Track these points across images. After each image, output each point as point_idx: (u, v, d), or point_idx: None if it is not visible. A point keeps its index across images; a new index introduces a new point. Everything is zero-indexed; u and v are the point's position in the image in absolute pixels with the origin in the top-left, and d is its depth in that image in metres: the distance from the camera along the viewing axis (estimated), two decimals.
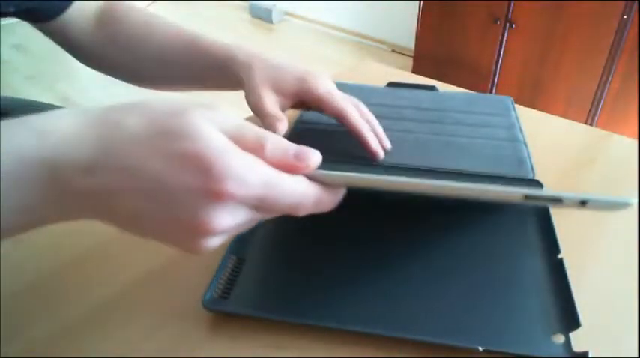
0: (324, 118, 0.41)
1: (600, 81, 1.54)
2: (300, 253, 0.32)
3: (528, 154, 0.43)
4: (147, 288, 0.30)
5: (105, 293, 0.29)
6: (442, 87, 0.56)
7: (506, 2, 1.63)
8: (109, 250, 0.33)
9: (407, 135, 0.45)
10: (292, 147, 0.23)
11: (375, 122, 0.42)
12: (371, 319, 0.27)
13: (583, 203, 0.22)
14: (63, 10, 0.45)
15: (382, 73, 0.60)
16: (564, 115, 0.52)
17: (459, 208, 0.36)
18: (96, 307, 0.28)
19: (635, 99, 1.49)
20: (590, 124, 1.58)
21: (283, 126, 0.38)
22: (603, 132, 0.49)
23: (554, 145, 0.46)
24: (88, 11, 0.47)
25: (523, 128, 0.47)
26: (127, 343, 0.26)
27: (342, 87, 0.48)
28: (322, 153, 0.38)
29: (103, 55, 0.48)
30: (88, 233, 0.33)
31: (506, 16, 1.65)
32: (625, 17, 1.43)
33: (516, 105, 0.52)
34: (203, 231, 0.21)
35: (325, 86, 0.40)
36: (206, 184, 0.20)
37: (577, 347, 0.26)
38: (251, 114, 0.50)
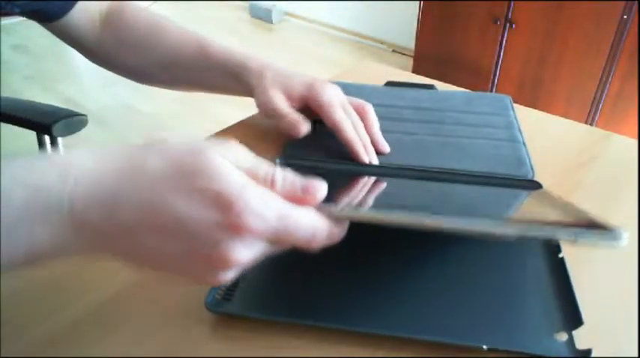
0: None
1: (600, 81, 1.54)
2: (303, 255, 0.32)
3: (527, 154, 0.43)
4: (149, 289, 0.30)
5: (106, 293, 0.29)
6: (441, 86, 0.56)
7: (507, 2, 1.63)
8: None
9: (406, 136, 0.45)
10: (300, 180, 0.24)
11: (376, 129, 0.42)
12: (372, 319, 0.27)
13: (574, 240, 0.23)
14: (66, 11, 0.45)
15: (382, 73, 0.60)
16: (564, 115, 0.52)
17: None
18: (97, 307, 0.28)
19: (635, 99, 1.49)
20: (591, 124, 1.58)
21: (306, 127, 0.40)
22: (603, 132, 0.49)
23: (554, 145, 0.46)
24: (92, 12, 0.47)
25: (522, 127, 0.47)
26: (127, 343, 0.26)
27: (342, 87, 0.48)
28: (324, 153, 0.38)
29: (111, 55, 0.49)
30: None
31: (507, 16, 1.65)
32: (625, 17, 1.43)
33: (516, 105, 0.52)
34: (222, 264, 0.22)
35: (329, 95, 0.41)
36: (227, 219, 0.21)
37: (578, 346, 0.26)
38: (251, 114, 0.50)
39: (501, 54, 1.72)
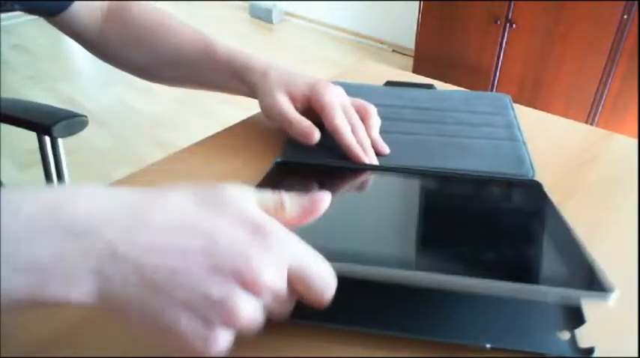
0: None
1: (600, 80, 1.54)
2: None
3: (527, 153, 0.43)
4: None
5: None
6: (441, 86, 0.56)
7: (507, 2, 1.63)
8: None
9: (406, 136, 0.45)
10: (305, 197, 0.25)
11: (375, 131, 0.42)
12: (373, 318, 0.27)
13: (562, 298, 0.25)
14: (65, 7, 0.45)
15: (382, 72, 0.60)
16: (564, 115, 0.52)
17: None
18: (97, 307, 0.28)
19: (635, 98, 1.49)
20: (591, 124, 1.58)
21: (317, 134, 0.40)
22: (604, 131, 0.49)
23: (554, 145, 0.46)
24: (94, 6, 0.47)
25: (522, 127, 0.47)
26: (127, 343, 0.26)
27: (341, 87, 0.48)
28: (323, 153, 0.38)
29: (114, 51, 0.49)
30: None
31: (507, 15, 1.65)
32: (625, 17, 1.43)
33: (516, 105, 0.52)
34: (252, 286, 0.21)
35: (331, 96, 0.41)
36: (259, 238, 0.22)
37: (581, 345, 0.26)
38: (251, 114, 0.50)
39: (501, 54, 1.72)
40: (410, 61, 2.04)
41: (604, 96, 1.56)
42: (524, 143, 0.44)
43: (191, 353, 0.21)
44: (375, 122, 0.43)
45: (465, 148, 0.43)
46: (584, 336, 0.26)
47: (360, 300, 0.28)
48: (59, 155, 0.69)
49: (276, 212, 0.24)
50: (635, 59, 1.45)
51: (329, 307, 0.28)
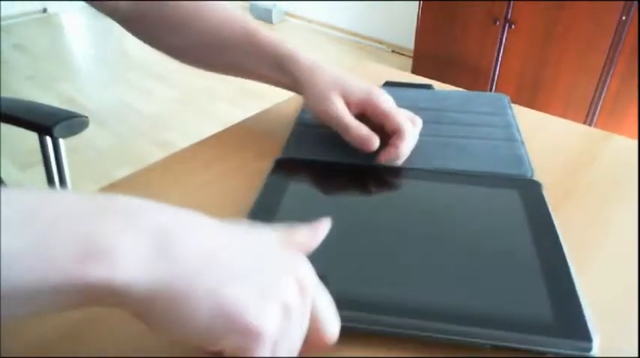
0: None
1: (599, 81, 1.54)
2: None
3: (526, 153, 0.43)
4: None
5: None
6: (440, 87, 0.56)
7: (506, 2, 1.63)
8: None
9: None
10: (304, 227, 0.28)
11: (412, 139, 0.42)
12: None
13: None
14: None
15: (381, 73, 0.60)
16: (563, 115, 0.52)
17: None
18: (97, 307, 0.28)
19: (634, 99, 1.49)
20: (590, 124, 1.59)
21: (377, 142, 0.39)
22: (603, 132, 0.49)
23: (553, 146, 0.46)
24: None
25: (521, 127, 0.47)
26: (127, 342, 0.26)
27: None
28: (324, 152, 0.38)
29: (151, 32, 0.46)
30: None
31: (506, 16, 1.65)
32: (624, 17, 1.43)
33: (515, 106, 0.52)
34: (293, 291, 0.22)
35: (389, 102, 0.41)
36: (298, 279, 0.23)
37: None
38: (251, 114, 0.50)
39: (501, 54, 1.72)
40: (409, 62, 2.04)
41: (603, 97, 1.56)
42: (522, 143, 0.44)
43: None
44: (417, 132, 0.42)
45: (464, 149, 0.43)
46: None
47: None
48: (60, 155, 0.69)
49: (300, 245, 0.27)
50: (634, 60, 1.45)
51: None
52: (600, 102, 1.57)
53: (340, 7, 2.65)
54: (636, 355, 0.27)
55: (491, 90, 1.79)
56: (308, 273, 0.23)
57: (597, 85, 1.55)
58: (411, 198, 0.37)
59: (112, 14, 0.46)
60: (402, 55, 2.46)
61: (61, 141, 0.69)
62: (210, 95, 1.99)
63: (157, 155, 1.56)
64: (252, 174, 0.41)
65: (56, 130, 0.65)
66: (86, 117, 0.68)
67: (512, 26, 1.65)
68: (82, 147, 1.60)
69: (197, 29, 0.44)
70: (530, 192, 0.37)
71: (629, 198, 0.39)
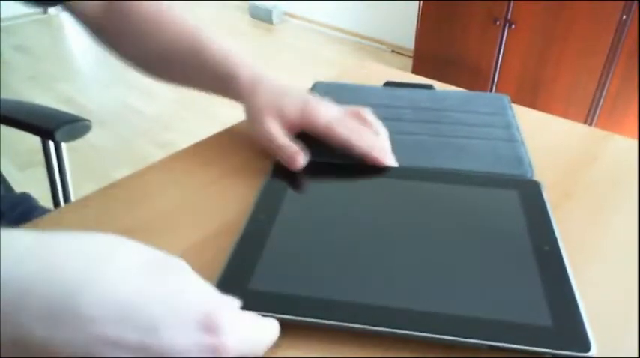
0: None
1: (600, 81, 1.54)
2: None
3: (526, 153, 0.43)
4: None
5: None
6: (440, 87, 0.56)
7: (506, 2, 1.63)
8: None
9: (405, 136, 0.45)
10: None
11: (381, 131, 0.41)
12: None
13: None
14: None
15: (381, 73, 0.60)
16: (564, 115, 0.52)
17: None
18: None
19: (634, 99, 1.49)
20: (590, 124, 1.58)
21: (302, 159, 0.39)
22: (603, 132, 0.49)
23: (553, 146, 0.46)
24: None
25: (521, 127, 0.47)
26: None
27: (340, 87, 0.48)
28: (323, 152, 0.38)
29: (113, 43, 0.48)
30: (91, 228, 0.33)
31: (506, 16, 1.65)
32: (624, 17, 1.43)
33: (516, 106, 0.52)
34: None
35: (325, 117, 0.40)
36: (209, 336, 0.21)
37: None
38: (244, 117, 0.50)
39: (501, 54, 1.72)
40: (409, 62, 2.04)
41: (603, 97, 1.56)
42: (522, 143, 0.44)
43: None
44: (375, 123, 0.42)
45: (464, 148, 0.43)
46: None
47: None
48: (62, 158, 0.69)
49: None
50: (635, 59, 1.45)
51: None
52: (600, 102, 1.57)
53: (340, 7, 2.65)
54: (636, 355, 0.27)
55: (491, 90, 1.79)
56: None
57: (597, 85, 1.55)
58: (412, 198, 0.37)
59: (79, 17, 0.47)
60: (402, 55, 2.46)
61: (63, 144, 0.69)
62: (210, 95, 1.99)
63: (157, 155, 1.56)
64: (252, 174, 0.41)
65: (58, 134, 0.64)
66: (89, 121, 0.68)
67: (513, 26, 1.65)
68: (82, 147, 1.60)
69: (153, 42, 0.45)
70: (530, 193, 0.37)
71: (629, 198, 0.39)
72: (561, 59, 1.59)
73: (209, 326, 0.20)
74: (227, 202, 0.38)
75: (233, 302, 0.24)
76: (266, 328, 0.24)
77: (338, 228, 0.34)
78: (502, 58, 1.72)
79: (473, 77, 1.81)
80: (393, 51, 2.52)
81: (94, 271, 0.19)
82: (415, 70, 1.93)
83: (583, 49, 1.53)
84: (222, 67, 0.42)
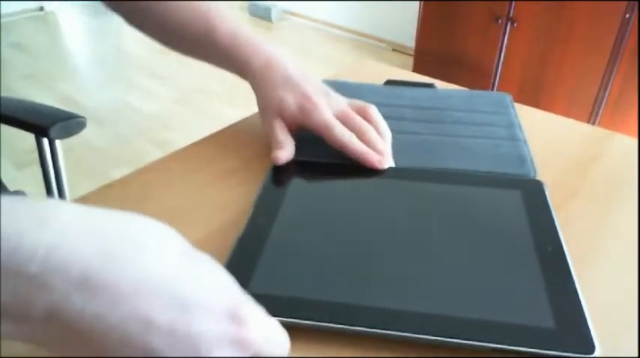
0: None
1: (602, 80, 1.54)
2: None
3: (529, 152, 0.42)
4: None
5: None
6: (441, 85, 0.55)
7: (508, 1, 1.62)
8: None
9: (406, 135, 0.44)
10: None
11: (384, 130, 0.41)
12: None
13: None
14: None
15: (382, 71, 0.60)
16: (566, 114, 0.52)
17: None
18: None
19: (637, 98, 1.48)
20: (592, 123, 1.58)
21: (284, 155, 0.39)
22: (606, 131, 0.49)
23: (556, 145, 0.46)
24: None
25: (523, 127, 0.46)
26: None
27: (340, 85, 0.47)
28: (323, 152, 0.38)
29: (128, 19, 0.47)
30: None
31: (508, 14, 1.64)
32: (627, 16, 1.42)
33: (518, 105, 0.51)
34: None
35: (323, 116, 0.39)
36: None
37: None
38: (251, 114, 0.50)
39: (503, 53, 1.72)
40: (410, 60, 2.03)
41: (606, 96, 1.55)
42: (525, 142, 0.44)
43: None
44: (380, 122, 0.41)
45: (466, 148, 0.43)
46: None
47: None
48: (57, 156, 0.69)
49: None
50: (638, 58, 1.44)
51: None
52: (604, 100, 1.56)
53: (340, 6, 2.64)
54: (636, 355, 0.27)
55: (493, 89, 1.78)
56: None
57: (600, 84, 1.54)
58: (413, 198, 0.37)
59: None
60: (403, 53, 2.45)
61: (58, 142, 0.68)
62: (210, 94, 1.99)
63: (156, 154, 1.55)
64: (251, 174, 0.40)
65: (53, 131, 0.64)
66: (83, 117, 0.67)
67: (515, 25, 1.64)
68: (79, 146, 1.59)
69: (163, 20, 0.44)
70: (533, 193, 0.37)
71: (633, 198, 0.39)
72: (564, 58, 1.59)
73: (237, 317, 0.21)
74: (226, 202, 0.37)
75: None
76: (285, 336, 0.24)
77: (339, 229, 0.34)
78: (504, 56, 1.72)
79: (474, 76, 1.80)
80: (393, 49, 2.51)
81: (132, 250, 0.20)
82: (416, 69, 1.93)
83: (586, 47, 1.53)
84: (234, 54, 0.42)
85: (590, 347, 0.25)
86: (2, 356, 0.25)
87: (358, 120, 0.40)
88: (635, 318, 0.29)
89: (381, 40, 2.56)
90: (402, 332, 0.26)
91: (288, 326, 0.26)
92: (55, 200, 0.20)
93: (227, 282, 0.23)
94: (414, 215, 0.35)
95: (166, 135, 1.75)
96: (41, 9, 2.88)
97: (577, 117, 1.12)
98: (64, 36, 2.66)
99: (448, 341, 0.26)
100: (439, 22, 1.82)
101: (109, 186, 0.39)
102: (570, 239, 0.32)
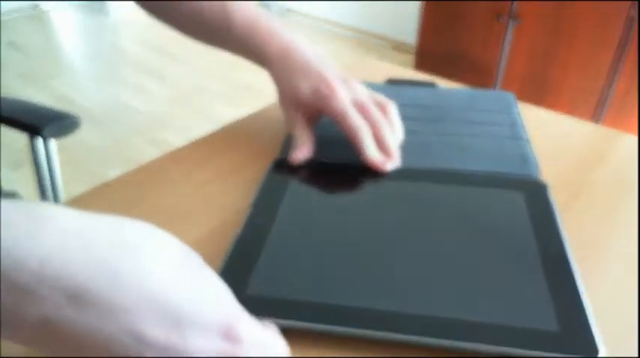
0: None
1: (607, 78, 1.52)
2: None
3: (532, 152, 0.42)
4: None
5: None
6: (443, 84, 0.55)
7: None
8: None
9: (408, 135, 0.44)
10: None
11: (397, 131, 0.40)
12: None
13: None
14: None
15: (383, 70, 0.59)
16: (570, 113, 0.51)
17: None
18: None
19: None
20: (597, 122, 1.57)
21: (299, 155, 0.39)
22: (611, 130, 0.48)
23: (560, 144, 0.45)
24: None
25: (527, 126, 0.46)
26: None
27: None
28: (324, 150, 0.36)
29: (145, 5, 0.46)
30: None
31: (511, 11, 1.63)
32: (632, 13, 1.41)
33: (521, 104, 0.51)
34: None
35: (341, 102, 0.38)
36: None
37: None
38: (249, 113, 0.49)
39: (506, 51, 1.71)
40: (411, 58, 2.03)
41: (611, 95, 1.54)
42: (528, 142, 0.43)
43: None
44: (396, 121, 0.40)
45: (468, 147, 0.42)
46: None
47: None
48: (51, 156, 0.68)
49: None
50: None
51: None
52: (608, 99, 1.55)
53: (341, 4, 2.64)
54: (636, 355, 0.26)
55: (495, 88, 1.78)
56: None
57: (605, 82, 1.53)
58: (413, 199, 0.36)
59: None
60: (404, 51, 2.45)
61: (53, 141, 0.67)
62: (206, 93, 1.98)
63: (152, 154, 1.54)
64: (249, 173, 0.40)
65: (46, 131, 0.63)
66: (77, 117, 0.67)
67: (518, 22, 1.63)
68: (75, 145, 1.58)
69: (180, 5, 0.43)
70: (536, 194, 0.36)
71: (636, 196, 0.39)
72: (568, 56, 1.57)
73: (232, 335, 0.20)
74: (224, 203, 0.37)
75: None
76: (282, 344, 0.23)
77: (338, 230, 0.33)
78: (507, 54, 1.71)
79: (477, 74, 1.79)
80: (394, 47, 2.51)
81: (127, 259, 0.19)
82: (418, 67, 1.92)
83: (590, 45, 1.51)
84: (251, 42, 0.41)
85: (594, 350, 0.25)
86: (2, 356, 0.25)
87: (376, 113, 0.39)
88: (635, 318, 0.28)
89: (382, 38, 2.55)
90: (405, 334, 0.26)
91: (287, 328, 0.26)
92: (50, 205, 0.20)
93: (223, 292, 0.22)
94: (415, 216, 0.34)
95: (162, 134, 1.74)
96: (35, 7, 2.86)
97: (581, 115, 1.11)
98: (58, 34, 2.64)
99: (451, 344, 0.25)
100: (441, 19, 1.81)
101: (105, 186, 0.39)
102: (574, 240, 0.32)
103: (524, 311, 0.27)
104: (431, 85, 0.54)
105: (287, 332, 0.25)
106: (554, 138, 0.46)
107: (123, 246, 0.20)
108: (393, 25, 2.47)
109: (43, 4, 2.87)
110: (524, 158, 0.41)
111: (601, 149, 0.45)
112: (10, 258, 0.17)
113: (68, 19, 2.81)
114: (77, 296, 0.18)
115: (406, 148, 0.41)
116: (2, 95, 0.67)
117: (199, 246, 0.32)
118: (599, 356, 0.25)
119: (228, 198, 0.37)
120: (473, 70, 1.80)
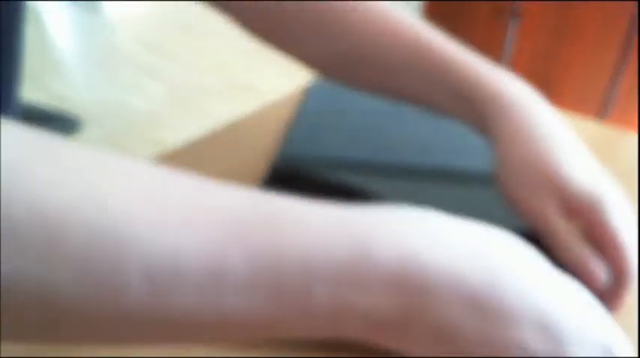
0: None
1: (612, 77, 1.52)
2: None
3: None
4: None
5: None
6: None
7: None
8: None
9: (407, 134, 0.44)
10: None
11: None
12: None
13: None
14: None
15: None
16: (575, 111, 0.50)
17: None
18: None
19: None
20: (601, 122, 1.57)
21: (603, 276, 0.27)
22: (615, 129, 0.48)
23: None
24: None
25: None
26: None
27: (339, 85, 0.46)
28: (325, 149, 0.35)
29: (280, 36, 0.36)
30: None
31: (513, 10, 1.62)
32: (637, 10, 1.40)
33: None
34: None
35: (617, 221, 0.27)
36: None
37: None
38: (247, 112, 0.48)
39: (508, 49, 1.70)
40: None
41: (614, 94, 1.53)
42: None
43: None
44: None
45: (469, 145, 0.42)
46: None
47: None
48: None
49: None
50: None
51: None
52: (613, 98, 1.54)
53: None
54: (636, 355, 0.26)
55: None
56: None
57: (610, 81, 1.52)
58: (414, 199, 0.35)
59: (225, 9, 0.35)
60: None
61: None
62: (203, 90, 1.97)
63: (148, 153, 1.53)
64: (250, 174, 0.39)
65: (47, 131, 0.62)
66: (77, 118, 0.65)
67: (520, 20, 1.62)
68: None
69: (338, 34, 0.32)
70: None
71: (638, 196, 0.38)
72: (571, 53, 1.56)
73: (608, 350, 0.20)
74: None
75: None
76: None
77: None
78: (510, 53, 1.70)
79: None
80: None
81: (509, 273, 0.19)
82: None
83: (594, 43, 1.50)
84: (465, 83, 0.31)
85: None
86: (2, 356, 0.24)
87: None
88: (635, 318, 0.28)
89: None
90: None
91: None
92: (426, 211, 0.21)
93: (597, 310, 0.21)
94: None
95: (159, 134, 1.73)
96: (30, 8, 2.84)
97: (586, 114, 1.10)
98: (51, 33, 2.63)
99: None
100: (442, 17, 1.80)
101: None
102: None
103: None
104: None
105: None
106: None
107: (505, 261, 0.20)
108: None
109: (36, 4, 2.85)
110: None
111: (604, 147, 0.44)
112: (408, 263, 0.18)
113: (62, 19, 2.79)
114: (470, 300, 0.18)
115: (405, 146, 0.41)
116: None
117: None
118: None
119: None
120: None
